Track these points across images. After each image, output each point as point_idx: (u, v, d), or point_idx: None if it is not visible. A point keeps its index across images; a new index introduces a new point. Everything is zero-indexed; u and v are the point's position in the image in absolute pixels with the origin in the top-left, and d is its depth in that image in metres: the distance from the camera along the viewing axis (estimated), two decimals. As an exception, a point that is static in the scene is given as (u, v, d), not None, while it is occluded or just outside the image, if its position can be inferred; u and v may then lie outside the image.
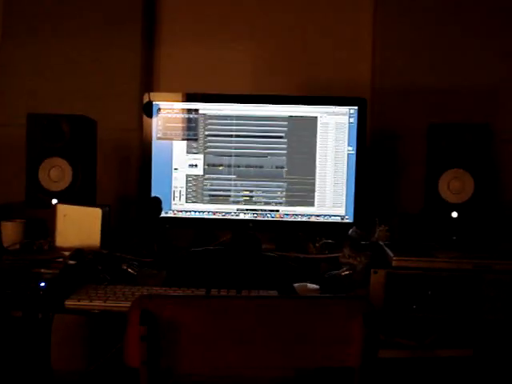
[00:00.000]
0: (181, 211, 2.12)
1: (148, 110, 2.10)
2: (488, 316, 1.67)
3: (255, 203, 2.12)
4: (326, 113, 2.09)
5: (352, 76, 2.48)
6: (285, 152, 2.10)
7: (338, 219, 2.11)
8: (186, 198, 2.12)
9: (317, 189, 2.11)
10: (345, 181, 2.10)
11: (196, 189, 2.12)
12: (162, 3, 2.56)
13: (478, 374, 1.82)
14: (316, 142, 2.10)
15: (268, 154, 2.10)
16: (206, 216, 2.12)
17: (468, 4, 2.40)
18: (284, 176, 2.10)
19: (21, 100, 2.48)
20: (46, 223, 2.12)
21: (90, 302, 1.58)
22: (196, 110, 2.11)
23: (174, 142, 2.11)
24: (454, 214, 2.09)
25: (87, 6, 2.48)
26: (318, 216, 2.11)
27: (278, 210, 2.12)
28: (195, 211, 2.12)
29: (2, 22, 2.51)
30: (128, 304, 1.34)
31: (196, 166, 2.11)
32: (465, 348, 1.78)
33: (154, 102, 2.11)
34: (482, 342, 1.80)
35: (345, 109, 2.09)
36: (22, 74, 2.50)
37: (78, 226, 2.01)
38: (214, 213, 2.12)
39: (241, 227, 2.13)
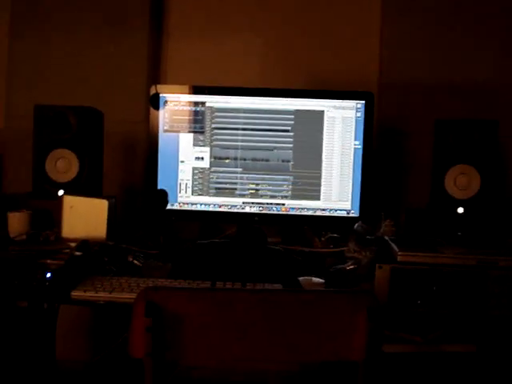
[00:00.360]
0: (187, 204, 2.13)
1: (155, 103, 2.10)
2: (493, 312, 1.67)
3: (261, 196, 2.12)
4: (333, 107, 2.09)
5: (359, 70, 2.47)
6: (291, 146, 2.10)
7: (343, 213, 2.11)
8: (192, 191, 2.12)
9: (323, 183, 2.10)
10: (351, 175, 2.10)
11: (202, 181, 2.12)
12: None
13: (481, 369, 1.82)
14: (322, 135, 2.09)
15: (274, 147, 2.10)
16: (211, 209, 2.13)
17: (476, 3, 2.40)
18: (290, 170, 2.10)
19: (29, 92, 2.48)
20: (53, 214, 2.13)
21: (96, 293, 1.58)
22: (203, 103, 2.10)
23: (180, 134, 2.11)
24: (460, 210, 2.09)
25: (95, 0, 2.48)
26: (323, 210, 2.11)
27: (283, 204, 2.12)
28: (201, 204, 2.12)
29: (10, 15, 2.52)
30: (133, 296, 1.34)
31: (202, 158, 2.11)
32: (469, 343, 1.78)
33: (160, 95, 2.11)
34: (486, 338, 1.80)
35: (352, 103, 2.09)
36: (29, 66, 2.51)
37: (85, 217, 2.01)
38: (220, 206, 2.12)
39: (246, 220, 2.14)
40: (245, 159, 2.11)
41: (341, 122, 2.09)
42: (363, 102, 2.08)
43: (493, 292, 1.66)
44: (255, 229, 2.13)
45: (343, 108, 2.09)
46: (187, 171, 2.12)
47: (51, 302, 2.00)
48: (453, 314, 1.68)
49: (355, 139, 2.09)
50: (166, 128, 2.11)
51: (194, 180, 2.12)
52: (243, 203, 2.12)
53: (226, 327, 1.32)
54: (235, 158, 2.11)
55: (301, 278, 1.79)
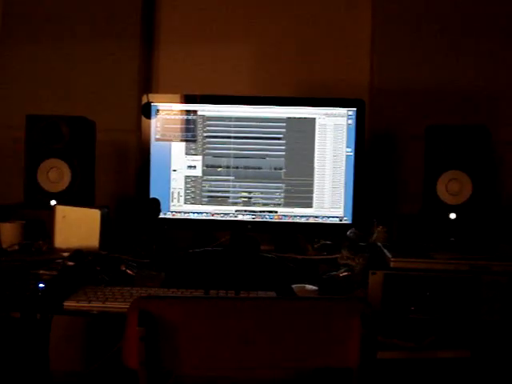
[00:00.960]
0: (179, 212, 2.13)
1: (147, 112, 2.11)
2: (486, 317, 1.67)
3: (254, 204, 2.12)
4: (325, 114, 2.09)
5: (350, 77, 2.49)
6: (283, 153, 2.10)
7: (336, 220, 2.11)
8: (185, 200, 2.12)
9: (315, 190, 2.11)
10: (343, 182, 2.10)
11: (194, 190, 2.12)
12: (160, 5, 2.56)
13: (475, 375, 1.82)
14: (314, 143, 2.10)
15: (266, 155, 2.10)
16: (204, 217, 2.13)
17: (467, 6, 2.41)
18: (282, 177, 2.11)
19: (20, 101, 2.48)
20: (45, 224, 2.12)
21: (89, 303, 1.57)
22: (194, 112, 2.11)
23: (172, 143, 2.11)
24: (452, 216, 2.10)
25: (86, 8, 2.48)
26: (316, 217, 2.12)
27: (276, 212, 2.12)
28: (194, 212, 2.12)
29: (1, 24, 2.52)
30: (127, 305, 1.34)
31: (194, 167, 2.11)
32: (463, 349, 1.78)
33: (152, 104, 2.11)
34: (479, 343, 1.80)
35: (343, 110, 2.09)
36: (21, 75, 2.51)
37: (77, 227, 2.01)
38: (213, 214, 2.12)
39: (239, 228, 2.14)
40: (237, 167, 2.11)
41: (332, 130, 2.10)
42: (354, 109, 2.09)
43: (486, 297, 1.67)
44: (248, 237, 2.13)
45: (334, 115, 2.09)
46: (179, 180, 2.12)
47: (44, 312, 2.00)
48: (446, 319, 1.68)
49: (347, 146, 2.09)
50: (157, 137, 2.11)
51: (186, 189, 2.12)
52: (236, 211, 2.12)
53: (220, 335, 1.31)
54: (227, 167, 2.11)
55: (294, 286, 1.79)
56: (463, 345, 1.78)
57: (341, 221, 2.11)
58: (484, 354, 1.81)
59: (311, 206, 2.11)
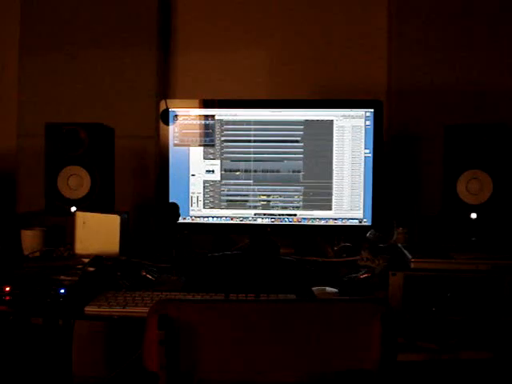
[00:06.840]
0: (199, 217, 2.13)
1: (165, 118, 2.12)
2: (508, 317, 1.65)
3: (272, 208, 2.12)
4: (342, 116, 2.09)
5: (367, 78, 2.48)
6: (301, 156, 2.10)
7: (355, 222, 2.10)
8: (204, 204, 2.13)
9: (334, 192, 2.10)
10: (362, 184, 2.09)
11: (213, 194, 2.12)
12: (176, 11, 2.58)
13: (498, 377, 1.80)
14: (332, 145, 2.09)
15: (284, 158, 2.10)
16: (223, 221, 2.13)
17: (482, 4, 2.39)
18: (301, 180, 2.10)
19: (40, 110, 2.50)
20: (66, 231, 2.14)
21: (110, 308, 1.58)
22: (212, 116, 2.11)
23: (190, 148, 2.12)
24: (473, 215, 2.08)
25: (103, 16, 2.51)
26: (335, 219, 2.11)
27: (295, 214, 2.11)
28: (213, 217, 2.13)
29: (20, 34, 2.55)
30: (147, 309, 1.34)
31: (213, 171, 2.12)
32: (486, 350, 1.76)
33: (170, 109, 2.12)
34: (502, 345, 1.78)
35: (361, 111, 2.08)
36: (40, 84, 2.53)
37: (97, 233, 2.02)
38: (232, 218, 2.13)
39: (259, 232, 2.13)
40: (255, 171, 2.11)
41: (350, 131, 2.09)
42: (372, 110, 2.08)
43: (508, 297, 1.65)
44: (267, 240, 2.13)
45: (352, 117, 2.09)
46: (198, 184, 2.12)
47: (66, 318, 2.01)
48: (468, 320, 1.67)
49: (365, 148, 2.09)
50: (176, 142, 2.12)
51: (205, 193, 2.12)
52: (255, 215, 2.12)
53: (240, 339, 1.31)
54: (246, 170, 2.11)
55: (314, 288, 1.78)
56: (486, 346, 1.76)
57: (360, 223, 2.10)
58: (507, 355, 1.79)
59: (330, 209, 2.11)
